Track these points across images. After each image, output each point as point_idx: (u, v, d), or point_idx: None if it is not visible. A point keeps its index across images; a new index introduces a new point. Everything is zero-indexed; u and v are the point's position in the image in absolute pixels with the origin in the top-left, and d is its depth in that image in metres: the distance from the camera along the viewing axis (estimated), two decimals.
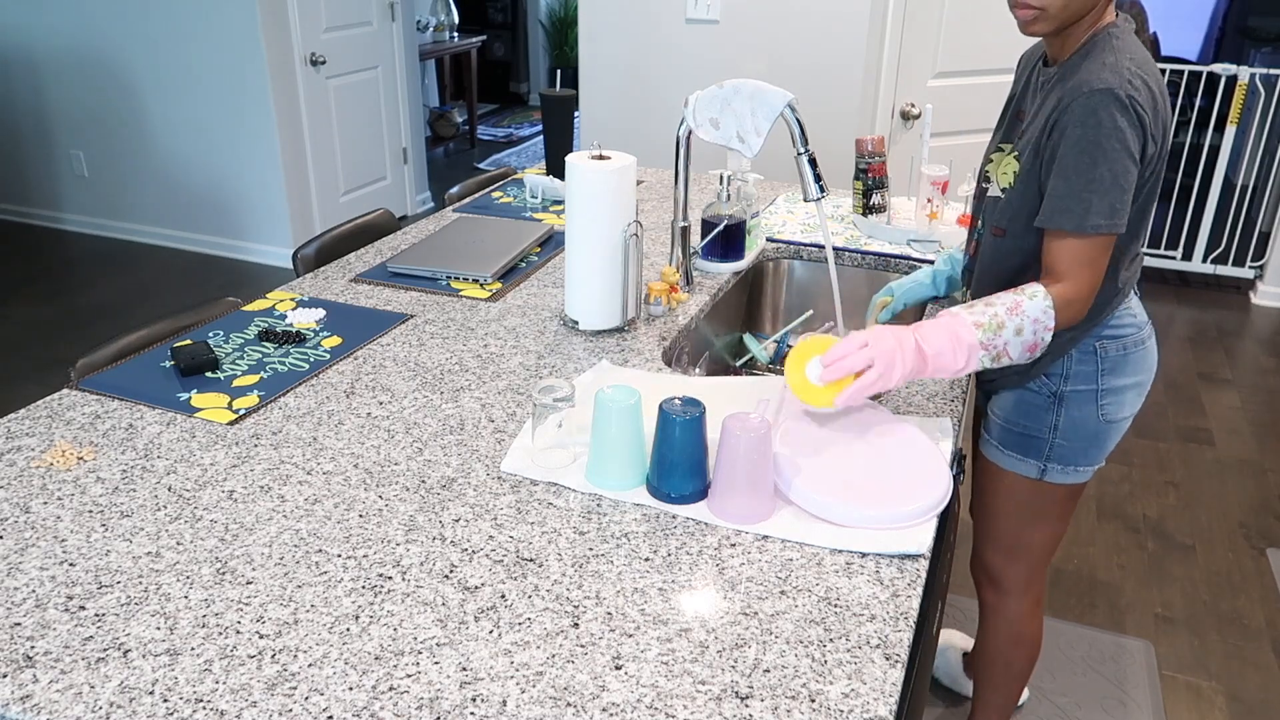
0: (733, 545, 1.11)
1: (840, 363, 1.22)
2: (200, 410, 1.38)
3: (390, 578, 1.05)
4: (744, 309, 2.11)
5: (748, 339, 1.86)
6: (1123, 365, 1.46)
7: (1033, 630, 1.76)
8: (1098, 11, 1.33)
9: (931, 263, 1.96)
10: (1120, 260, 1.40)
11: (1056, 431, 1.50)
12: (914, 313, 1.87)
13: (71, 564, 1.06)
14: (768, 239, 2.15)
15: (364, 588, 1.03)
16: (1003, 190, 1.43)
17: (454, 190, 2.52)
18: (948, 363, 1.26)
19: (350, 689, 0.90)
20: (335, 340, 1.61)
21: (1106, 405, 1.48)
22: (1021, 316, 1.28)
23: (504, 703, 0.88)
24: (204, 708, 0.87)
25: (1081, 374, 1.46)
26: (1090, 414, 1.48)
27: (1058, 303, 1.29)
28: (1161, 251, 4.68)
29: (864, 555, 1.10)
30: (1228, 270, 4.60)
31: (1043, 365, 1.47)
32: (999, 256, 1.46)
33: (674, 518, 1.16)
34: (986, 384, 1.60)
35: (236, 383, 1.46)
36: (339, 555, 1.08)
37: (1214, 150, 4.53)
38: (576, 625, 0.98)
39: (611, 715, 0.87)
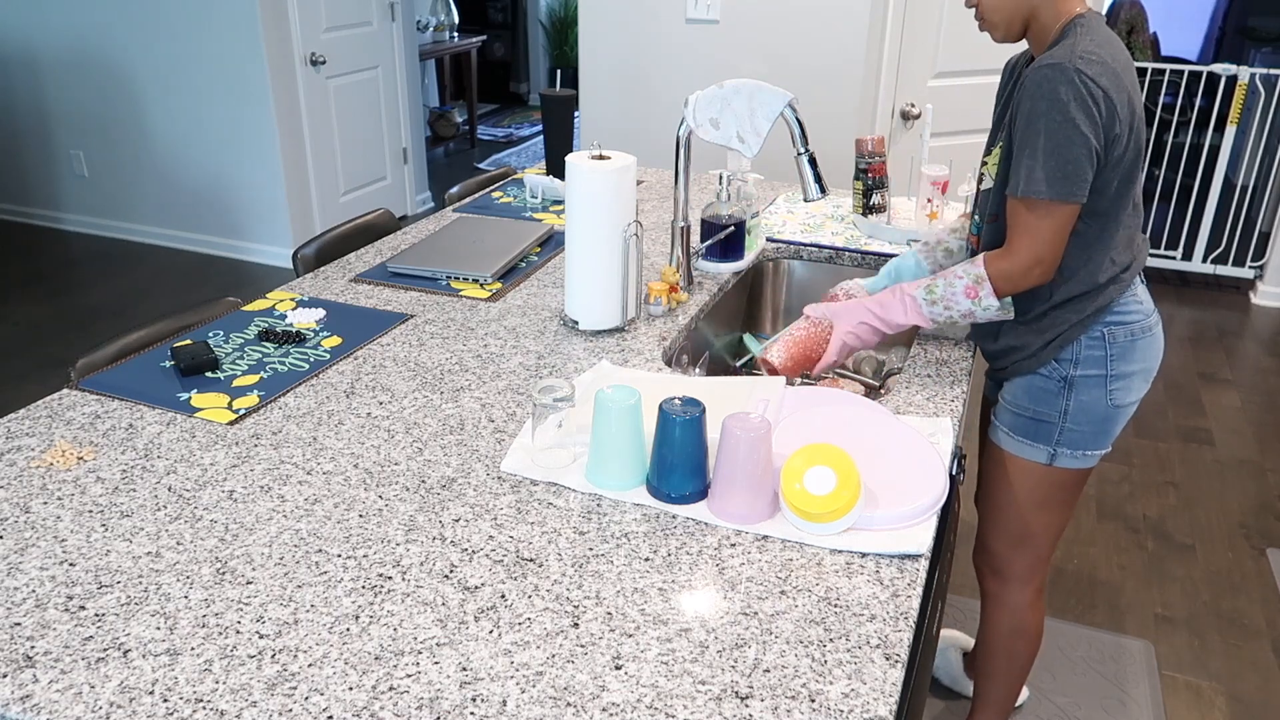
0: (733, 545, 1.11)
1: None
2: (200, 410, 1.38)
3: (390, 578, 1.05)
4: (744, 309, 2.11)
5: (748, 339, 1.87)
6: (1131, 351, 1.51)
7: (1034, 621, 1.78)
8: (1047, 7, 1.41)
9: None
10: (1107, 237, 1.44)
11: (1067, 416, 1.54)
12: None
13: (71, 564, 1.06)
14: (768, 239, 2.15)
15: (364, 588, 1.03)
16: (994, 180, 1.51)
17: (454, 190, 2.52)
18: (895, 319, 1.52)
19: (350, 689, 0.90)
20: (335, 340, 1.61)
21: (1115, 390, 1.52)
22: (965, 308, 1.47)
23: (504, 703, 0.88)
24: (204, 708, 0.87)
25: (1091, 359, 1.50)
26: (1099, 398, 1.52)
27: (996, 283, 1.43)
28: (1161, 251, 4.68)
29: (864, 555, 1.10)
30: (1228, 270, 4.60)
31: (1053, 351, 1.51)
32: (996, 241, 1.52)
33: (674, 518, 1.16)
34: (998, 372, 1.64)
35: (236, 383, 1.46)
36: (339, 555, 1.08)
37: (1214, 150, 4.53)
38: (576, 625, 0.98)
39: (611, 715, 0.87)
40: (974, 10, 1.48)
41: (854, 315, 1.53)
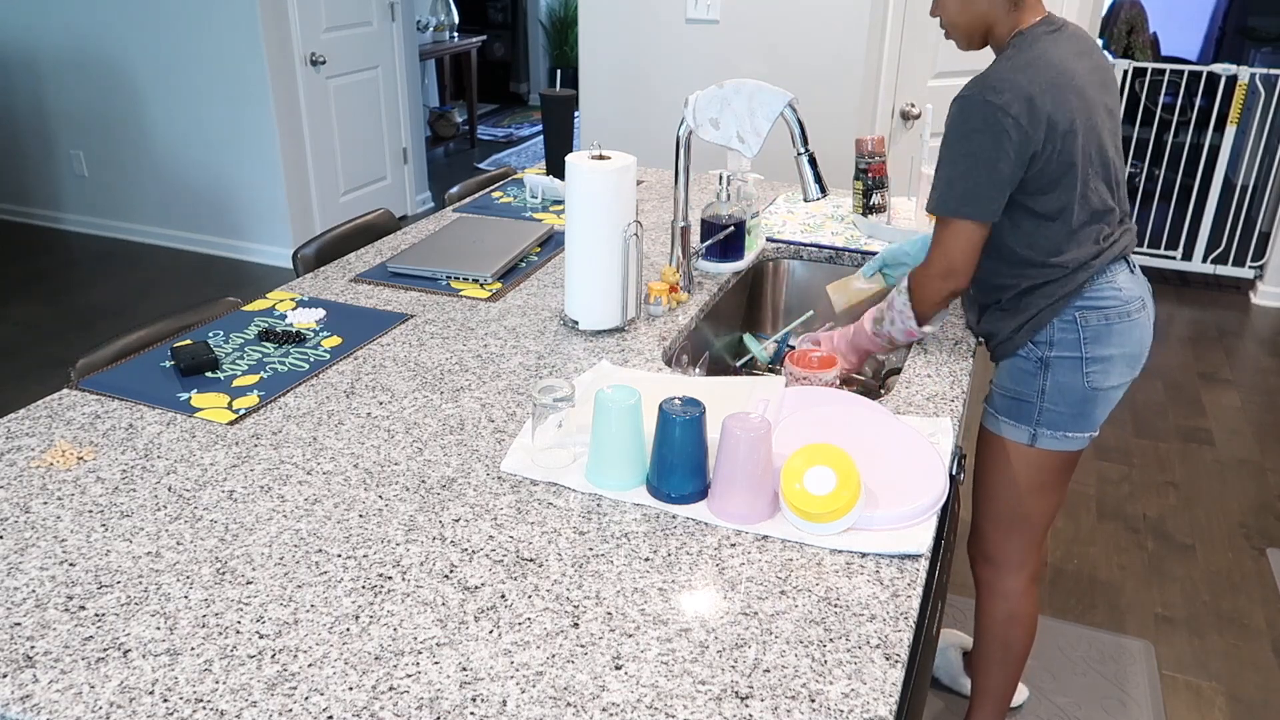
0: (733, 545, 1.11)
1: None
2: (200, 410, 1.38)
3: (390, 578, 1.05)
4: (744, 309, 2.11)
5: (748, 339, 1.87)
6: (1106, 335, 1.53)
7: (1029, 609, 1.80)
8: (1003, 19, 1.48)
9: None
10: (1061, 236, 1.49)
11: (1044, 396, 1.58)
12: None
13: (71, 564, 1.06)
14: (768, 239, 2.15)
15: (364, 588, 1.03)
16: None
17: (454, 190, 2.52)
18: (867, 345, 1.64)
19: (350, 689, 0.90)
20: (335, 340, 1.61)
21: (1092, 373, 1.55)
22: (893, 310, 1.57)
23: (504, 703, 0.88)
24: (204, 708, 0.87)
25: (1065, 341, 1.54)
26: (1076, 380, 1.55)
27: (913, 285, 1.54)
28: (1161, 251, 4.68)
29: (864, 555, 1.10)
30: (1228, 270, 4.60)
31: (1027, 334, 1.56)
32: None
33: (674, 518, 1.16)
34: (994, 357, 1.68)
35: (236, 383, 1.46)
36: (339, 555, 1.08)
37: (1214, 150, 4.53)
38: (576, 625, 0.98)
39: (611, 715, 0.87)
40: (938, 20, 1.55)
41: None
